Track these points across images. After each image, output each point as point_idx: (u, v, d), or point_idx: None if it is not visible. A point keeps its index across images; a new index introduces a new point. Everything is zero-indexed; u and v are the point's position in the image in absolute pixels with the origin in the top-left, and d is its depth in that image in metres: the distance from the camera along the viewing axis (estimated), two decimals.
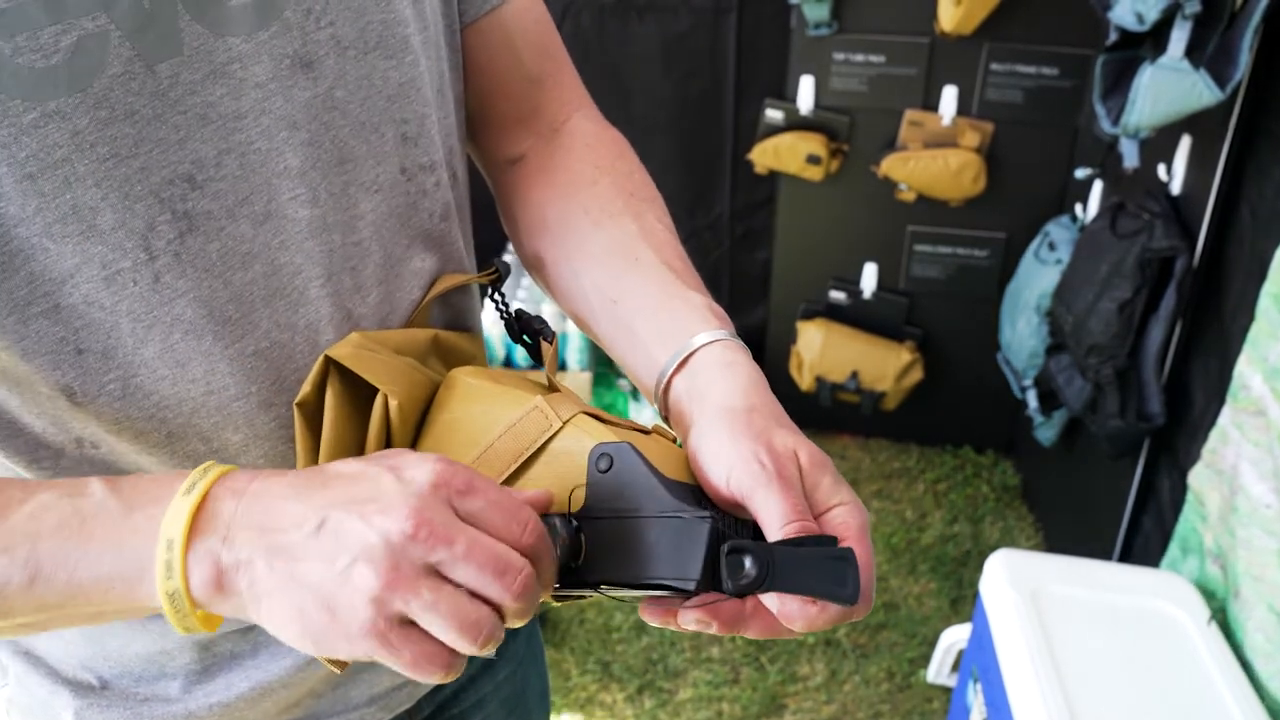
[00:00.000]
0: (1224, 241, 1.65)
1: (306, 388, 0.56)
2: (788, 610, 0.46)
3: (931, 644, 2.12)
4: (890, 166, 2.39)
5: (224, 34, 0.51)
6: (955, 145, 2.37)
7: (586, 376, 2.55)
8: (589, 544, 0.49)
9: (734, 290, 2.82)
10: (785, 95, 2.45)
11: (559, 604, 0.53)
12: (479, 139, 0.73)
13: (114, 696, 0.64)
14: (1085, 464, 2.21)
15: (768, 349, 2.79)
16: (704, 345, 0.56)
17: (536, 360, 0.65)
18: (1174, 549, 1.65)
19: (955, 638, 1.89)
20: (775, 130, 2.46)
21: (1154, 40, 1.62)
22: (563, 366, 2.56)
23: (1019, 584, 1.48)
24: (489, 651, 0.45)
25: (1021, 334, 2.19)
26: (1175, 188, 1.78)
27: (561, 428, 0.52)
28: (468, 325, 0.72)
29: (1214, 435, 1.53)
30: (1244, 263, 1.56)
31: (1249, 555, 1.39)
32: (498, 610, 0.45)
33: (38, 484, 0.48)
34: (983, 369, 2.51)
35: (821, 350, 2.58)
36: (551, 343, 0.64)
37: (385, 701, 0.72)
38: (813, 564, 0.46)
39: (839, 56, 2.36)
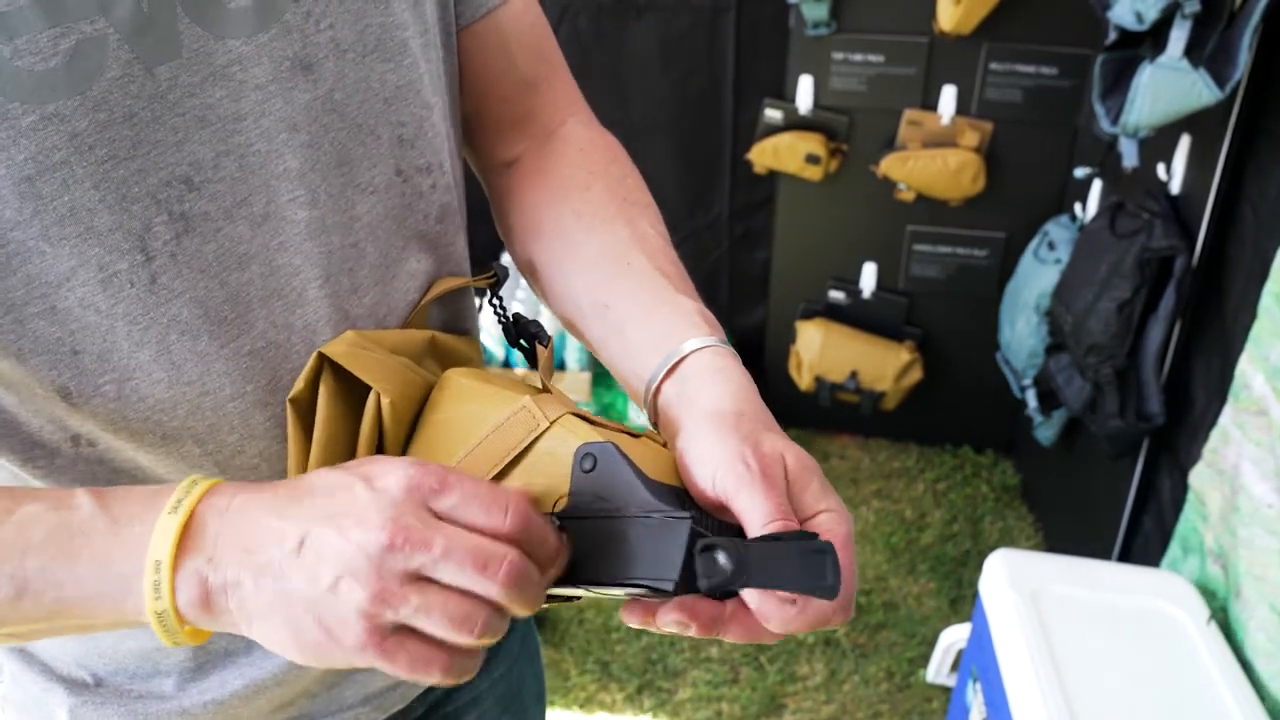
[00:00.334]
0: (1225, 241, 1.65)
1: (300, 384, 0.56)
2: (764, 610, 0.46)
3: (931, 644, 2.12)
4: (889, 166, 2.39)
5: (223, 36, 0.51)
6: (954, 145, 2.37)
7: (586, 376, 2.55)
8: (571, 544, 0.49)
9: (733, 290, 2.82)
10: (784, 95, 2.45)
11: (547, 605, 0.53)
12: (474, 141, 0.73)
13: (108, 694, 0.64)
14: (1085, 464, 2.21)
15: (767, 349, 2.79)
16: (694, 351, 0.56)
17: (533, 365, 0.65)
18: (1174, 548, 1.65)
19: (955, 637, 1.89)
20: (774, 130, 2.46)
21: (1153, 39, 1.62)
22: (561, 366, 2.56)
23: (1018, 584, 1.48)
24: (490, 641, 0.45)
25: (1021, 334, 2.19)
26: (1175, 187, 1.77)
27: (548, 427, 0.52)
28: (465, 327, 0.72)
29: (1215, 435, 1.52)
30: (1245, 262, 1.56)
31: (1250, 555, 1.39)
32: (490, 602, 0.45)
33: (25, 494, 0.48)
34: (982, 369, 2.51)
35: (821, 350, 2.58)
36: (547, 346, 0.64)
37: (379, 701, 0.72)
38: (789, 558, 0.45)
39: (838, 56, 2.36)
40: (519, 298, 2.59)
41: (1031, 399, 2.21)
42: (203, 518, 0.46)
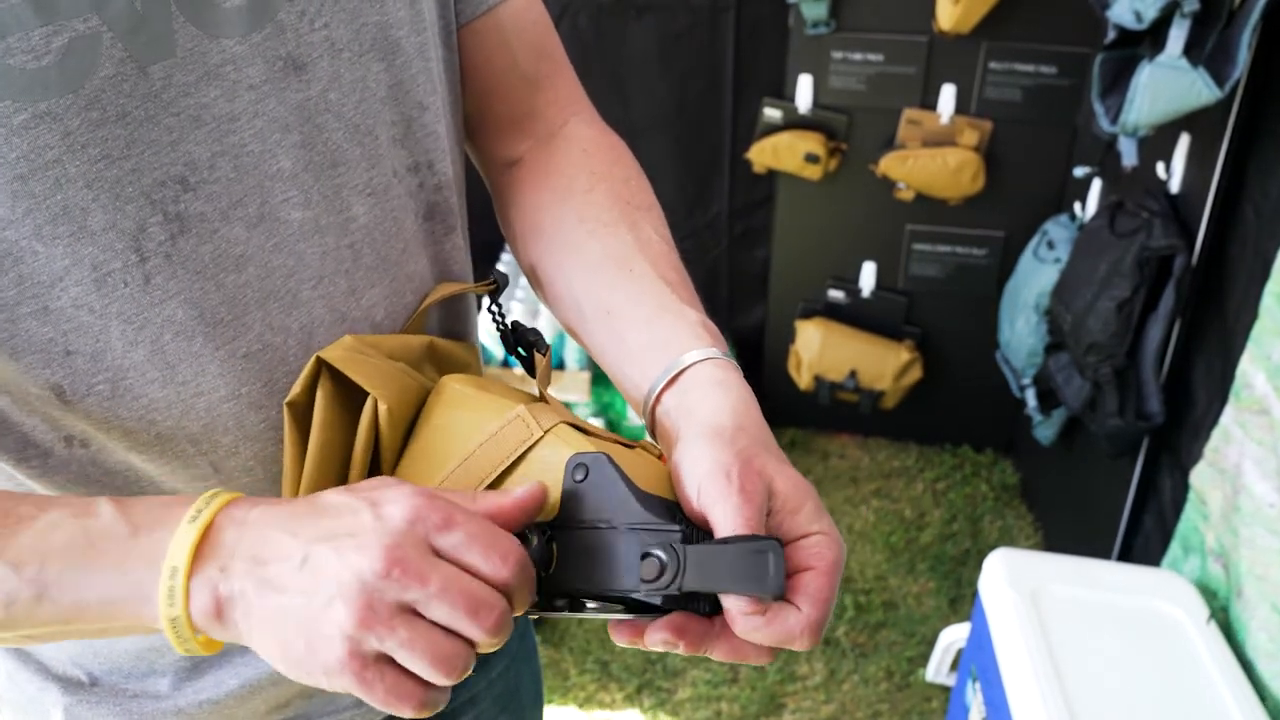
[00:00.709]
0: (1226, 240, 1.64)
1: (297, 388, 0.56)
2: (731, 613, 0.46)
3: (930, 643, 2.12)
4: (889, 165, 2.39)
5: (217, 35, 0.51)
6: (954, 144, 2.37)
7: (585, 376, 2.55)
8: (560, 554, 0.49)
9: (732, 289, 2.82)
10: (784, 94, 2.45)
11: (534, 617, 0.53)
12: (476, 140, 0.72)
13: (104, 693, 0.64)
14: (1084, 463, 2.21)
15: (766, 348, 2.79)
16: (695, 363, 0.55)
17: (530, 373, 0.65)
18: (1175, 548, 1.65)
19: (954, 637, 1.88)
20: (774, 129, 2.46)
21: (1152, 38, 1.62)
22: (560, 365, 2.56)
23: (1018, 583, 1.48)
24: (462, 678, 0.46)
25: (1020, 333, 2.19)
26: (1174, 186, 1.77)
27: (542, 437, 0.52)
28: (464, 329, 0.71)
29: (1216, 434, 1.52)
30: (1247, 262, 1.56)
31: (1252, 555, 1.39)
32: (472, 643, 0.45)
33: (49, 500, 0.49)
34: (981, 368, 2.51)
35: (820, 349, 2.58)
36: (545, 355, 0.64)
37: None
38: (729, 559, 0.45)
39: (837, 55, 2.36)
40: (518, 296, 2.59)
41: (1031, 398, 2.21)
42: (221, 528, 0.46)
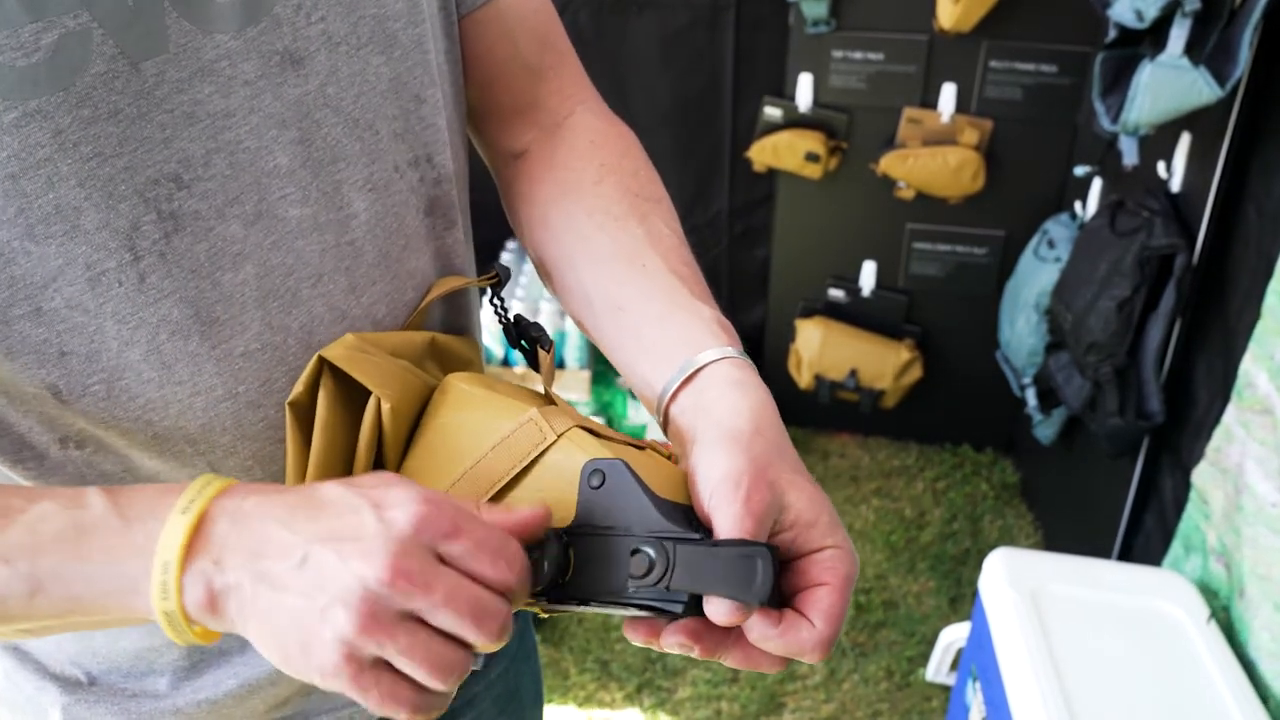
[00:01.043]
0: (1228, 240, 1.64)
1: (299, 388, 0.55)
2: (711, 617, 0.46)
3: (930, 642, 2.12)
4: (889, 164, 2.38)
5: (211, 30, 0.50)
6: (954, 143, 2.36)
7: (585, 375, 2.54)
8: (577, 559, 0.49)
9: (733, 288, 2.82)
10: (784, 93, 2.45)
11: (547, 615, 0.53)
12: (482, 131, 0.71)
13: (102, 692, 0.64)
14: (1084, 462, 2.20)
15: (766, 347, 2.79)
16: (712, 362, 0.54)
17: (533, 366, 0.64)
18: (1177, 547, 1.65)
19: (954, 636, 1.88)
20: (774, 128, 2.45)
21: (1153, 37, 1.62)
22: (561, 364, 2.56)
23: (1018, 582, 1.48)
24: (457, 684, 0.46)
25: (1020, 332, 2.19)
26: (1175, 185, 1.77)
27: (555, 441, 0.51)
28: (466, 324, 0.71)
29: (1218, 433, 1.52)
30: (1249, 261, 1.56)
31: (1255, 554, 1.38)
32: (471, 649, 0.45)
33: (38, 492, 0.48)
34: (982, 367, 2.50)
35: (820, 348, 2.58)
36: (549, 352, 0.63)
37: None
38: (718, 561, 0.45)
39: (837, 54, 2.35)
40: (518, 295, 2.59)
41: (1031, 397, 2.21)
42: (213, 519, 0.46)
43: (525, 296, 2.59)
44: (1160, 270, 1.72)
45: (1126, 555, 1.94)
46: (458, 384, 0.58)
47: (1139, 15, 1.58)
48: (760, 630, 0.46)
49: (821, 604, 0.47)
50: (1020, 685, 1.34)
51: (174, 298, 0.52)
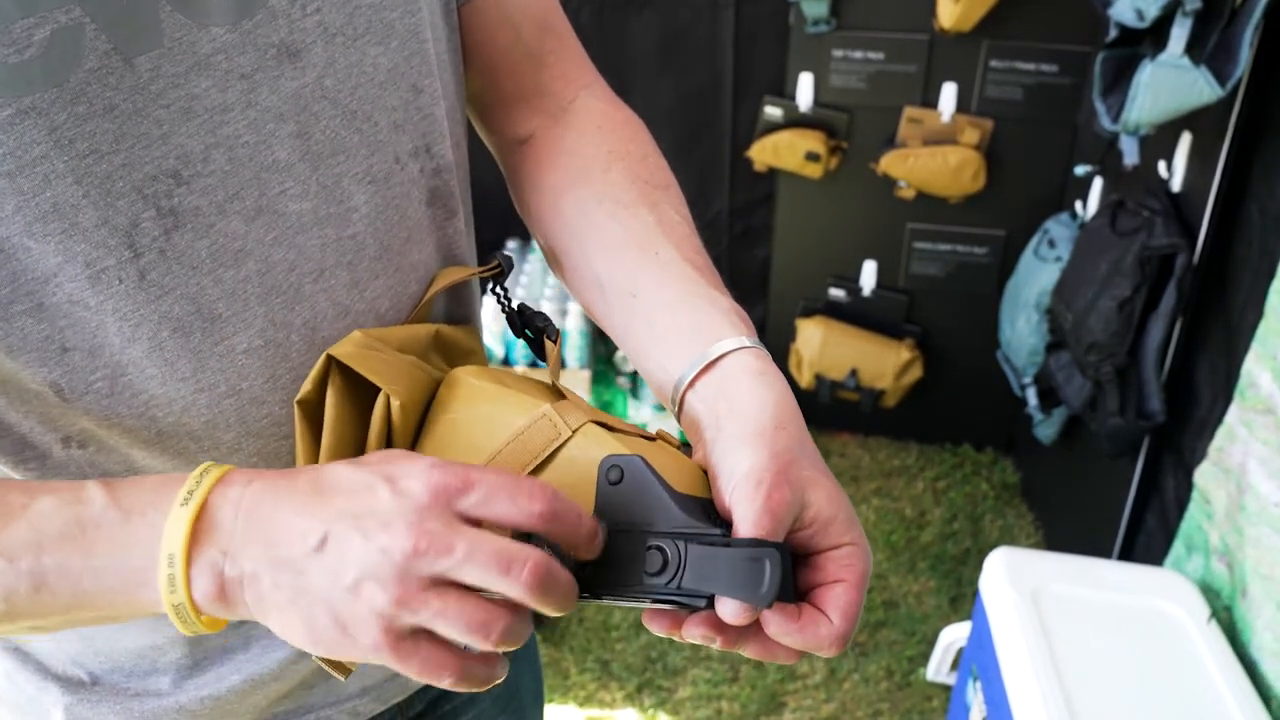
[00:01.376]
0: (1230, 239, 1.64)
1: (308, 386, 0.55)
2: (722, 615, 0.46)
3: (931, 642, 2.12)
4: (889, 164, 2.38)
5: (207, 24, 0.49)
6: (955, 142, 2.36)
7: (585, 374, 2.54)
8: (598, 558, 0.49)
9: (733, 288, 2.77)
10: (784, 92, 2.45)
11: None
12: (485, 119, 0.71)
13: (104, 692, 0.64)
14: (1085, 462, 2.20)
15: (767, 346, 2.77)
16: (731, 351, 0.54)
17: (539, 356, 0.63)
18: (1178, 547, 1.65)
19: (955, 636, 1.88)
20: (774, 127, 2.45)
21: (1154, 37, 1.62)
22: (561, 364, 2.56)
23: (1018, 582, 1.48)
24: (511, 646, 0.45)
25: (1021, 332, 2.19)
26: (1175, 185, 1.77)
27: (570, 437, 0.51)
28: (468, 315, 0.70)
29: (1221, 433, 1.52)
30: (1252, 261, 1.56)
31: (1258, 554, 1.38)
32: (513, 606, 0.45)
33: (38, 487, 0.48)
34: (982, 367, 2.50)
35: (821, 348, 2.58)
36: (555, 342, 0.62)
37: (378, 693, 0.71)
38: (726, 562, 0.45)
39: (838, 53, 2.35)
40: (518, 295, 2.59)
41: (1032, 397, 2.21)
42: (216, 508, 0.45)
43: (525, 297, 2.59)
44: (1161, 270, 1.72)
45: (1127, 555, 1.94)
46: (466, 378, 0.57)
47: (1140, 15, 1.58)
48: (779, 626, 0.47)
49: (839, 600, 0.48)
50: (1021, 685, 1.34)
51: (175, 294, 0.51)
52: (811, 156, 2.41)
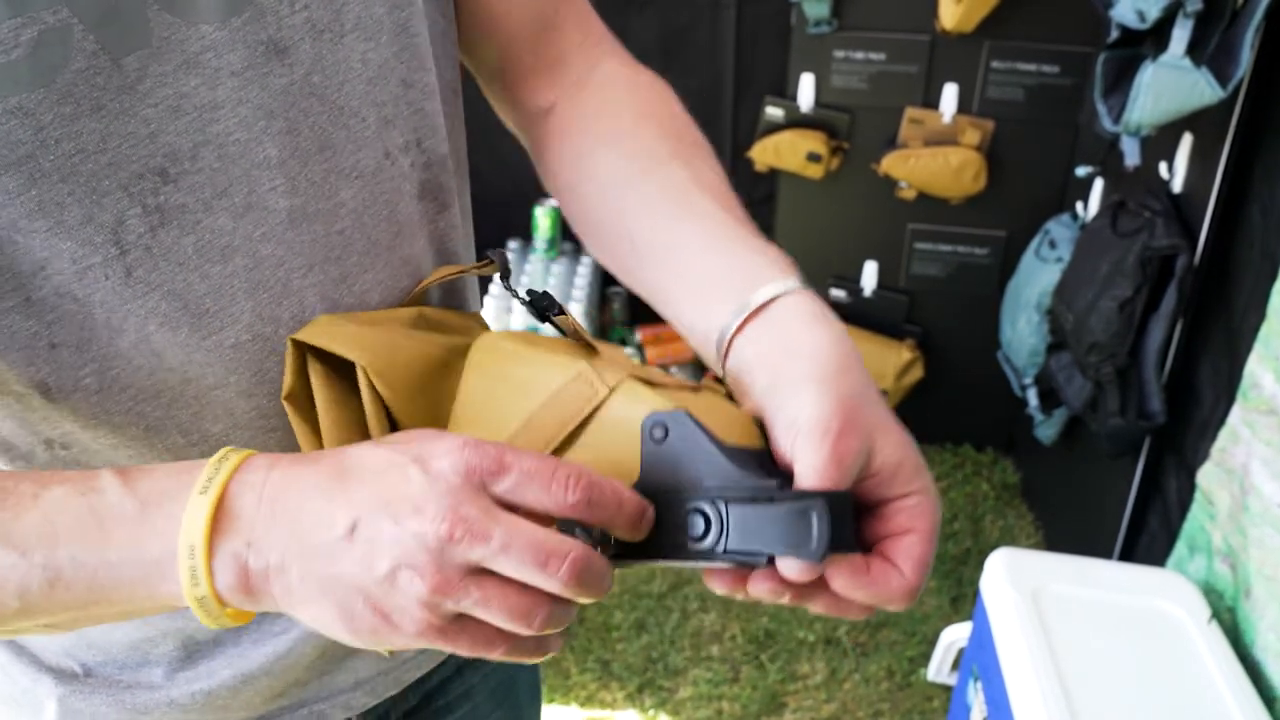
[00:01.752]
0: (1231, 240, 1.64)
1: (288, 379, 0.55)
2: (783, 573, 0.44)
3: (931, 642, 2.12)
4: (891, 164, 2.38)
5: (195, 22, 0.49)
6: (956, 143, 2.37)
7: None
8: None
9: None
10: (785, 93, 2.45)
11: (617, 569, 0.51)
12: (506, 93, 0.70)
13: (97, 684, 0.64)
14: (1085, 463, 2.20)
15: None
16: (781, 295, 0.51)
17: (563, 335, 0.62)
18: (1181, 547, 1.65)
19: (955, 636, 1.88)
20: (775, 128, 2.45)
21: (1155, 38, 1.62)
22: None
23: (1019, 583, 1.48)
24: (556, 629, 0.44)
25: (1022, 332, 2.19)
26: (1176, 186, 1.77)
27: (608, 395, 0.49)
28: (460, 304, 0.69)
29: (1224, 434, 1.52)
30: (1254, 262, 1.56)
31: (1261, 555, 1.38)
32: (553, 595, 0.44)
33: (49, 477, 0.47)
34: (983, 367, 2.50)
35: None
36: (566, 315, 0.60)
37: (371, 686, 0.71)
38: (772, 519, 0.43)
39: (839, 54, 2.35)
40: (522, 283, 2.59)
41: (1032, 398, 2.21)
42: (237, 497, 0.44)
43: (527, 285, 2.59)
44: (1162, 271, 1.72)
45: (1128, 556, 1.94)
46: (497, 341, 0.55)
47: (1141, 16, 1.58)
48: (847, 580, 0.45)
49: (911, 551, 0.46)
50: (1021, 685, 1.34)
51: (162, 290, 0.51)
52: (813, 157, 2.41)
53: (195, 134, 0.50)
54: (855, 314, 2.64)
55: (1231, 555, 1.49)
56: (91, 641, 0.63)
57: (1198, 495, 1.60)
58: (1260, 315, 1.45)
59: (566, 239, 2.76)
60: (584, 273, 2.66)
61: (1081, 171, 2.07)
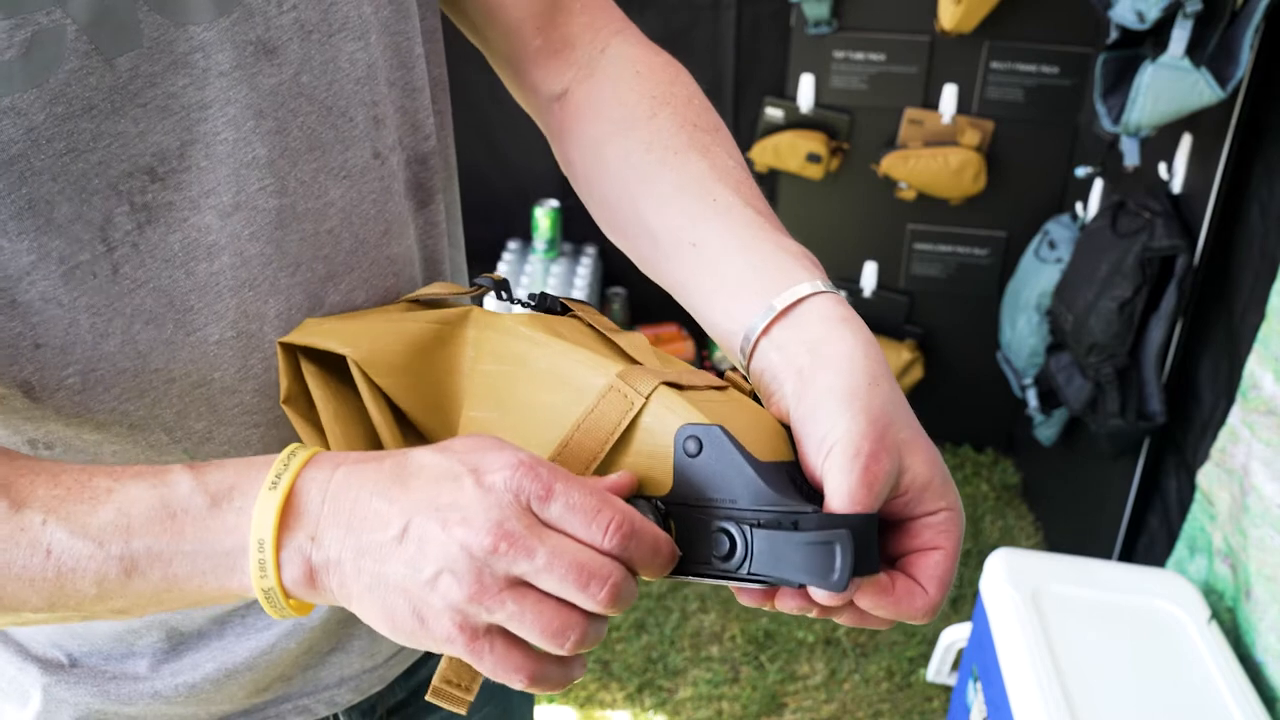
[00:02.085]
0: (1231, 240, 1.65)
1: (284, 383, 0.55)
2: (812, 592, 0.44)
3: (931, 643, 2.12)
4: (890, 165, 2.38)
5: (184, 22, 0.50)
6: (955, 144, 2.37)
7: None
8: (678, 532, 0.47)
9: None
10: (785, 93, 2.45)
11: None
12: (518, 79, 0.69)
13: (82, 674, 0.64)
14: (1085, 463, 2.20)
15: None
16: (810, 296, 0.50)
17: None
18: (1181, 548, 1.65)
19: (955, 636, 1.88)
20: (775, 128, 2.46)
21: (1155, 39, 1.62)
22: None
23: (1019, 583, 1.48)
24: (587, 648, 0.45)
25: (1021, 333, 2.19)
26: (1176, 186, 1.77)
27: (645, 404, 0.48)
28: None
29: (1223, 434, 1.52)
30: (1253, 262, 1.56)
31: (1261, 555, 1.38)
32: (588, 613, 0.44)
33: (123, 471, 0.48)
34: (983, 368, 2.51)
35: None
36: (576, 308, 0.60)
37: (356, 683, 0.71)
38: (796, 549, 0.43)
39: (839, 55, 2.36)
40: (522, 284, 2.59)
41: (1032, 398, 2.21)
42: (304, 492, 0.45)
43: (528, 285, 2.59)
44: (1161, 271, 1.72)
45: (1128, 556, 1.94)
46: (515, 325, 0.54)
47: (1140, 16, 1.58)
48: (872, 600, 0.45)
49: (935, 569, 0.46)
50: (1021, 686, 1.34)
51: (148, 288, 0.52)
52: (812, 158, 2.41)
53: (183, 133, 0.51)
54: None
55: (1232, 556, 1.49)
56: (76, 631, 0.64)
57: (1198, 495, 1.60)
58: (1259, 315, 1.45)
59: (566, 239, 2.76)
60: (584, 273, 2.67)
61: (1081, 172, 2.07)
